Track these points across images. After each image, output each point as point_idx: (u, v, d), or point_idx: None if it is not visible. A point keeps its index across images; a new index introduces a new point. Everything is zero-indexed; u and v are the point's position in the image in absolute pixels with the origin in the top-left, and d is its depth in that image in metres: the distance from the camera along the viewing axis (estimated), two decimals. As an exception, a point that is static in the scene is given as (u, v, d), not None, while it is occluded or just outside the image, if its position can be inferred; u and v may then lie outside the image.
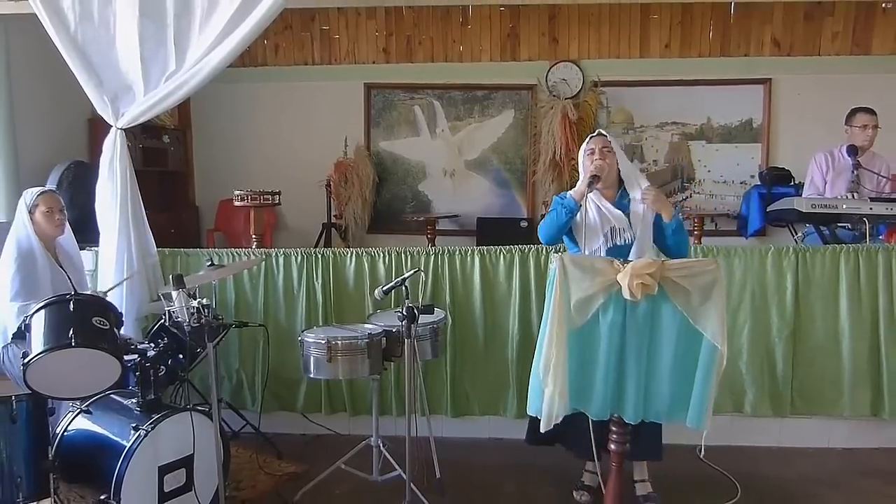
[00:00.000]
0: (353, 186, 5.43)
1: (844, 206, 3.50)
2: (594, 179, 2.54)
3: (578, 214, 2.57)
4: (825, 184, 3.80)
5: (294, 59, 5.65)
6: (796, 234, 4.15)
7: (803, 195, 3.88)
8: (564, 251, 2.81)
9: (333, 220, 5.40)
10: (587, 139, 2.71)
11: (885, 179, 3.73)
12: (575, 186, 2.67)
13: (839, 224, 3.62)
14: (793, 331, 3.22)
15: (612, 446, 2.40)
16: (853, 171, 3.68)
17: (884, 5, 5.02)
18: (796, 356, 3.24)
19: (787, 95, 5.28)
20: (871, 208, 3.45)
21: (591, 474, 2.82)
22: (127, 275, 3.20)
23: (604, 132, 2.72)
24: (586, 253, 2.59)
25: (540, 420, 2.32)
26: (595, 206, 2.61)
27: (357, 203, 5.44)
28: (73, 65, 3.24)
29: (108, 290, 2.92)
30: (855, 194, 3.64)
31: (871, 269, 3.18)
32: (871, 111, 3.73)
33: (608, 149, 2.64)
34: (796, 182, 4.82)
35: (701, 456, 2.58)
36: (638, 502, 2.72)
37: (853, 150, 3.70)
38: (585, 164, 2.66)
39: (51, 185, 4.10)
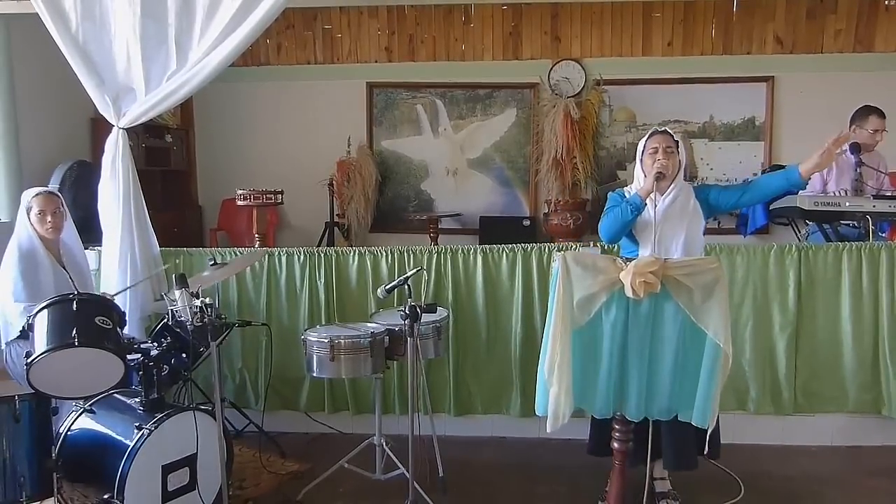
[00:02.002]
0: (356, 185, 5.43)
1: (847, 204, 3.49)
2: (660, 176, 2.50)
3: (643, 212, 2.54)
4: (824, 184, 3.77)
5: (296, 58, 5.64)
6: (800, 231, 4.13)
7: (800, 193, 3.86)
8: (597, 245, 2.79)
9: (336, 219, 5.40)
10: (647, 136, 2.64)
11: (883, 175, 3.71)
12: (629, 186, 2.65)
13: (843, 221, 3.61)
14: (795, 329, 3.22)
15: (615, 444, 2.40)
16: (856, 169, 3.66)
17: (887, 3, 5.00)
18: (799, 354, 3.24)
19: (789, 93, 5.26)
20: (874, 206, 3.44)
21: None
22: (133, 282, 3.21)
23: (669, 130, 2.64)
24: (648, 249, 2.53)
25: (603, 430, 2.34)
26: (650, 203, 2.56)
27: (360, 202, 5.44)
28: (74, 64, 3.25)
29: (116, 294, 2.93)
30: (855, 191, 3.62)
31: (873, 266, 3.17)
32: (882, 115, 3.66)
33: (671, 148, 2.57)
34: (798, 180, 4.80)
35: (704, 453, 2.57)
36: (656, 500, 2.68)
37: (856, 148, 3.68)
38: (646, 162, 2.59)
39: (53, 184, 4.10)
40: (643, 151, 2.62)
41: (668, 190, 2.57)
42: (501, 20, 5.42)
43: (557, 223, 5.04)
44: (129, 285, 3.17)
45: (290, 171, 5.41)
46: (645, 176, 2.59)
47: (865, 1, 5.04)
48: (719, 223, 5.36)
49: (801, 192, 3.88)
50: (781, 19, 5.17)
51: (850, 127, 3.75)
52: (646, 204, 2.52)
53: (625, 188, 2.66)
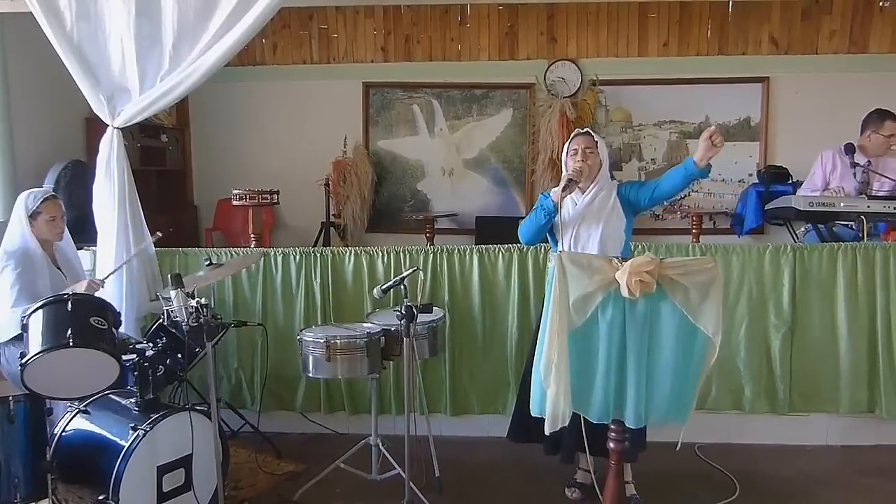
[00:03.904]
0: (352, 185, 5.43)
1: (842, 205, 3.50)
2: (570, 183, 2.55)
3: (558, 214, 2.58)
4: (826, 183, 3.77)
5: (292, 58, 5.63)
6: (795, 232, 4.14)
7: (801, 191, 3.87)
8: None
9: (332, 219, 5.39)
10: (572, 136, 2.70)
11: (894, 182, 3.66)
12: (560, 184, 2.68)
13: (840, 222, 3.62)
14: (790, 329, 3.23)
15: (611, 444, 2.40)
16: (862, 171, 3.63)
17: (881, 4, 5.02)
18: (794, 354, 3.25)
19: (784, 94, 5.28)
20: (868, 206, 3.45)
21: (585, 472, 2.82)
22: (125, 259, 3.18)
23: (590, 131, 2.70)
24: (563, 247, 2.60)
25: (525, 417, 2.33)
26: (571, 202, 2.63)
27: (356, 202, 5.44)
28: (69, 63, 3.23)
29: (107, 277, 2.91)
30: (859, 193, 3.61)
31: (868, 267, 3.19)
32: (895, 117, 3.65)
33: (591, 149, 2.63)
34: (794, 180, 4.82)
35: (677, 449, 2.56)
36: None
37: (850, 149, 3.69)
38: (568, 163, 2.67)
39: (48, 184, 4.08)
40: (567, 153, 2.68)
41: (589, 189, 2.63)
42: (497, 20, 5.43)
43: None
44: (122, 265, 3.13)
45: (285, 170, 5.40)
46: None
47: (860, 2, 5.06)
48: (715, 223, 5.38)
49: (798, 191, 3.90)
50: (776, 20, 5.19)
51: (863, 132, 3.73)
52: (558, 208, 2.55)
53: (553, 189, 2.67)
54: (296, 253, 3.46)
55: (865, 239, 3.36)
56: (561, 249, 2.63)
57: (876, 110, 3.72)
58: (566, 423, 2.20)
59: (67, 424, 2.47)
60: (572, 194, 2.62)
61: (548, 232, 2.71)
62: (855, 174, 3.65)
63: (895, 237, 3.55)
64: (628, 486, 2.74)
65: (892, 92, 4.76)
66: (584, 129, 2.72)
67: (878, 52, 5.14)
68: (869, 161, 3.66)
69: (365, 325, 2.93)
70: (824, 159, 3.78)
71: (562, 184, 2.56)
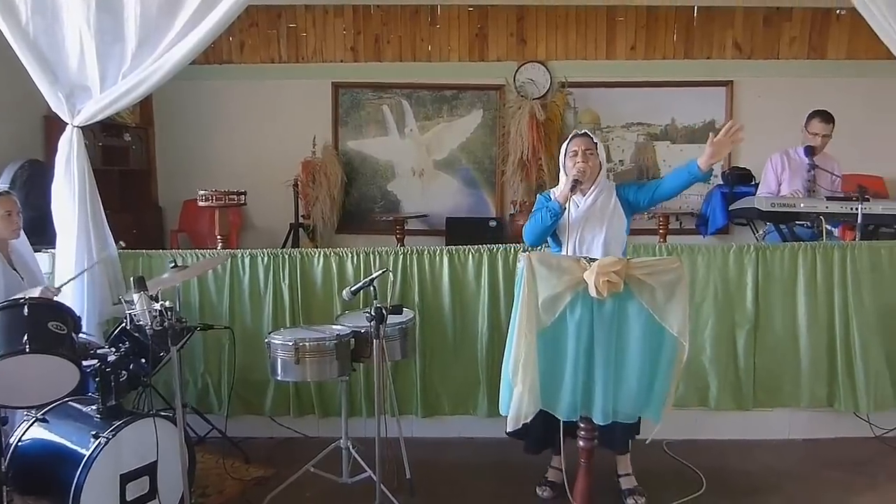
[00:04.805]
0: (321, 186, 5.38)
1: (802, 205, 3.61)
2: (576, 184, 2.55)
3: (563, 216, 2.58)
4: (779, 184, 3.90)
5: (260, 56, 5.57)
6: (757, 231, 4.25)
7: (757, 194, 3.98)
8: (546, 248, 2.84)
9: (301, 220, 5.34)
10: (570, 138, 2.69)
11: (838, 178, 3.83)
12: (557, 185, 2.68)
13: (798, 222, 3.73)
14: (754, 326, 3.30)
15: (581, 443, 2.42)
16: (810, 171, 3.78)
17: (838, 12, 5.20)
18: (757, 350, 3.32)
19: (747, 97, 5.42)
20: (826, 207, 3.56)
21: (556, 470, 2.83)
22: (85, 266, 3.10)
23: (589, 132, 2.70)
24: (568, 250, 2.58)
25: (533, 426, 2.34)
26: (572, 204, 2.63)
27: (325, 203, 5.39)
28: (25, 59, 3.11)
29: (64, 284, 2.82)
30: (808, 192, 3.75)
31: (827, 266, 3.27)
32: (827, 119, 3.77)
33: (591, 151, 2.62)
34: (757, 181, 4.94)
35: (647, 442, 2.60)
36: (622, 496, 2.74)
37: (809, 151, 3.80)
38: (567, 164, 2.65)
39: (3, 184, 3.95)
40: (565, 154, 2.68)
41: (590, 191, 2.64)
42: (467, 22, 5.45)
43: (523, 224, 5.06)
44: (81, 272, 3.04)
45: (253, 171, 5.32)
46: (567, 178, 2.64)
47: (818, 11, 5.23)
48: (681, 223, 5.48)
49: (758, 192, 4.01)
50: (740, 26, 5.33)
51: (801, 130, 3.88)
52: (564, 209, 2.56)
53: (552, 189, 2.69)
54: (264, 254, 3.41)
55: (824, 238, 3.46)
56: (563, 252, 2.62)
57: (814, 109, 3.84)
58: (528, 422, 2.21)
59: (24, 434, 2.39)
60: (573, 196, 2.61)
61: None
62: (814, 175, 3.77)
63: (851, 236, 3.67)
64: (628, 478, 2.77)
65: (849, 96, 4.95)
66: (583, 131, 2.70)
67: (835, 58, 5.32)
68: (814, 162, 3.79)
69: (334, 327, 2.90)
70: (773, 161, 3.94)
71: (568, 185, 2.55)
